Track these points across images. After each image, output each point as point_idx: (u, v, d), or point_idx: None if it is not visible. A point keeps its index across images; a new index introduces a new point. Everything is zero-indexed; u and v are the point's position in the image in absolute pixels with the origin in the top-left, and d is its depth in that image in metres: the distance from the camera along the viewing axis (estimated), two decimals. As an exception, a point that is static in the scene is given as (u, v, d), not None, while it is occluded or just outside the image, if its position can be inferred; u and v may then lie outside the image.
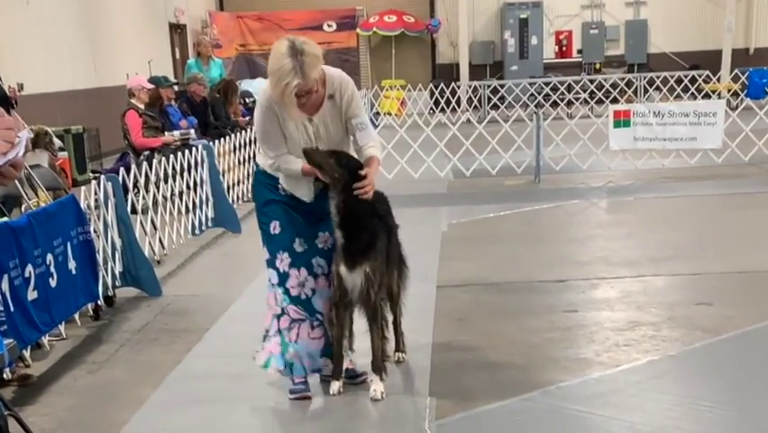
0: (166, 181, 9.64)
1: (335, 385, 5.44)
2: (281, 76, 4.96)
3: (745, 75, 24.10)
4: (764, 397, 5.16)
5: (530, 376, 5.60)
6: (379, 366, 5.45)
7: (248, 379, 5.74)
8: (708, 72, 24.52)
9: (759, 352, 5.90)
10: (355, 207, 5.18)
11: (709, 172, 13.29)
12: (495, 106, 23.38)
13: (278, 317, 5.46)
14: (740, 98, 18.00)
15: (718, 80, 24.56)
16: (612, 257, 8.59)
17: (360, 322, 5.54)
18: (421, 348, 6.10)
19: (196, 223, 10.12)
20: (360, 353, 5.59)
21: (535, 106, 21.80)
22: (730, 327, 6.28)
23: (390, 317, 5.77)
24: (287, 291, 5.44)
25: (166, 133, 12.38)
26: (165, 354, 6.38)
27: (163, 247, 9.23)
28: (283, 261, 5.42)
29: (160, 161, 9.65)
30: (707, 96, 22.16)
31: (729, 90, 23.19)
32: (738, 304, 6.85)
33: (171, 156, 9.90)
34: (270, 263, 5.44)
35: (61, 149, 12.59)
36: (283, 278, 5.42)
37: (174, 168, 9.85)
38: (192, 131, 12.62)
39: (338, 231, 5.26)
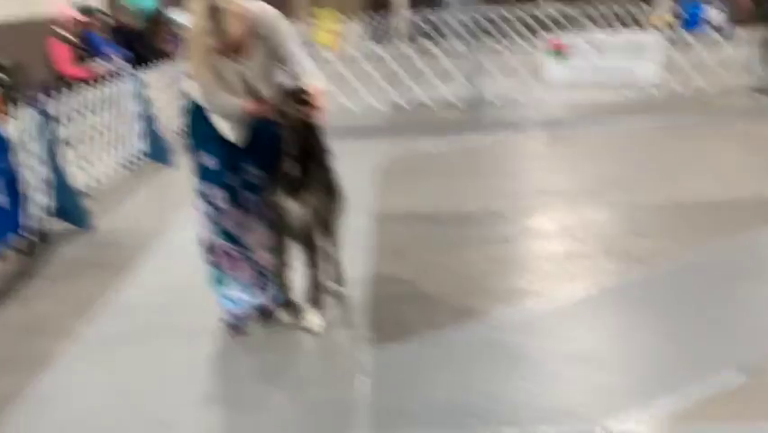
0: (95, 112, 9.40)
1: (282, 315, 5.40)
2: (197, 37, 4.95)
3: (680, 6, 24.19)
4: (694, 326, 5.21)
5: (466, 307, 5.59)
6: (317, 298, 5.41)
7: (182, 312, 5.68)
8: (644, 4, 24.52)
9: (692, 282, 5.95)
10: (304, 139, 5.13)
11: (647, 105, 13.35)
12: (430, 38, 23.17)
13: (213, 252, 5.39)
14: (675, 30, 18.07)
15: (654, 13, 24.59)
16: (549, 189, 8.60)
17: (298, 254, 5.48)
18: (359, 281, 6.05)
19: (128, 155, 9.91)
20: (297, 285, 5.52)
21: (472, 37, 21.71)
22: (663, 258, 6.33)
23: (327, 248, 5.70)
24: (220, 227, 5.36)
25: (94, 63, 12.03)
26: (97, 287, 6.26)
27: (94, 180, 9.03)
28: (216, 196, 5.32)
29: (89, 91, 9.39)
30: (643, 29, 22.20)
31: (665, 23, 23.25)
32: (671, 235, 6.91)
33: (101, 86, 9.65)
34: (203, 197, 5.34)
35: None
36: (216, 213, 5.33)
37: (105, 100, 9.61)
38: (122, 62, 12.29)
39: (289, 162, 5.16)
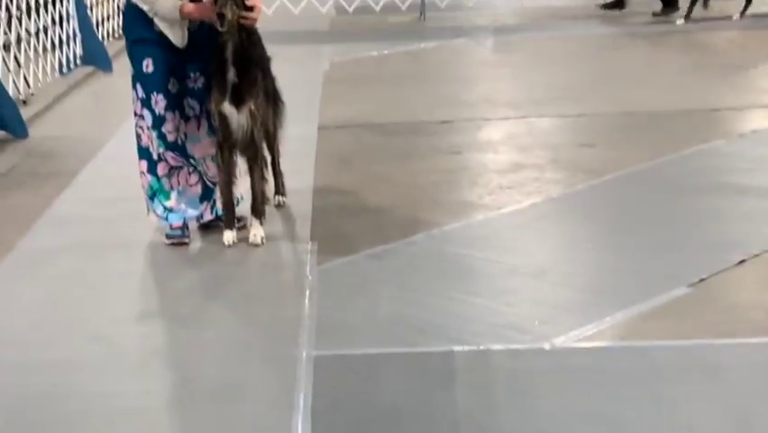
0: (29, 15, 9.05)
1: (229, 235, 5.22)
2: None
3: None
4: (640, 236, 5.21)
5: (413, 219, 5.50)
6: (259, 210, 5.28)
7: (121, 224, 5.52)
8: None
9: (638, 192, 5.92)
10: (245, 44, 4.99)
11: (595, 11, 13.20)
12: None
13: (155, 163, 5.22)
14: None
15: None
16: (497, 98, 8.49)
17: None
18: (302, 192, 5.93)
19: (64, 61, 9.58)
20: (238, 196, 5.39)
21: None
22: (612, 168, 6.27)
23: (269, 158, 5.57)
24: (162, 136, 5.18)
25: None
26: (33, 198, 6.07)
27: (29, 86, 8.72)
28: (158, 102, 5.14)
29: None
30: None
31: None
32: (621, 145, 6.86)
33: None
34: (145, 104, 5.14)
35: None
36: (158, 121, 5.15)
37: (40, 2, 9.25)
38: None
39: (231, 69, 5.00)
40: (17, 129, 7.49)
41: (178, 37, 5.08)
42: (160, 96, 5.13)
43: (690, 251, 4.98)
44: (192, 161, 5.30)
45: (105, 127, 7.59)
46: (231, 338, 4.21)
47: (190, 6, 4.94)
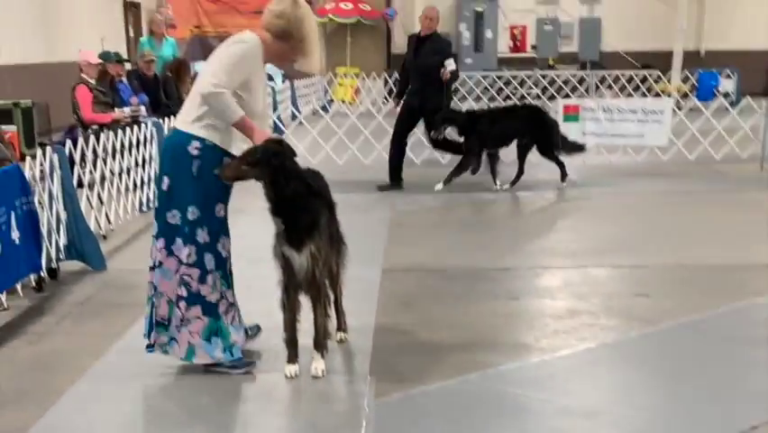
0: (114, 157, 9.58)
1: (292, 368, 5.41)
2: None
3: (695, 77, 24.48)
4: (692, 385, 5.29)
5: (470, 359, 5.67)
6: (320, 343, 5.50)
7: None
8: (658, 72, 24.89)
9: (690, 342, 6.03)
10: (286, 190, 5.18)
11: (655, 170, 13.47)
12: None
13: (214, 304, 5.43)
14: (689, 99, 18.21)
15: (669, 81, 24.86)
16: (556, 248, 8.71)
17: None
18: (363, 330, 6.15)
19: (144, 200, 10.07)
20: (301, 332, 5.59)
21: (489, 100, 21.99)
22: (665, 318, 6.41)
23: (331, 296, 5.82)
24: (225, 276, 5.46)
25: (116, 109, 12.29)
26: (107, 327, 6.36)
27: (109, 222, 9.17)
28: (225, 245, 5.43)
29: (108, 136, 9.58)
30: (657, 96, 22.43)
31: (679, 91, 23.48)
32: (674, 296, 6.99)
33: (120, 131, 9.84)
34: (210, 248, 5.35)
35: (9, 122, 12.44)
36: (222, 263, 5.42)
37: (123, 144, 9.79)
38: (143, 108, 12.55)
39: (275, 218, 5.27)
40: (96, 262, 7.88)
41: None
42: (226, 239, 5.43)
43: (742, 400, 5.05)
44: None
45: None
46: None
47: (244, 122, 5.17)
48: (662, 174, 13.15)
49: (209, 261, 5.36)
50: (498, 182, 11.93)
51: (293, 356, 5.47)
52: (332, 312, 5.80)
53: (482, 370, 5.49)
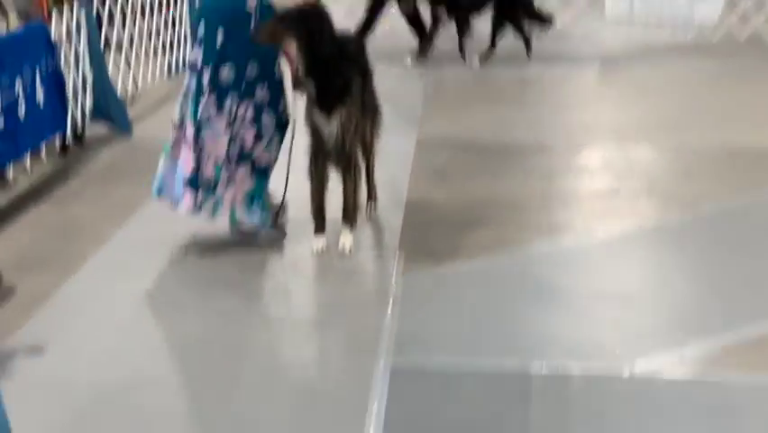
0: (143, 15, 9.29)
1: (319, 242, 5.26)
2: None
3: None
4: (732, 270, 5.10)
5: (502, 238, 5.50)
6: (350, 217, 5.33)
7: (212, 226, 5.62)
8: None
9: (733, 227, 5.80)
10: (321, 52, 4.97)
11: (704, 47, 12.99)
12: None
13: (267, 165, 5.34)
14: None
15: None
16: (597, 125, 8.40)
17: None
18: (394, 205, 5.97)
19: (173, 63, 9.81)
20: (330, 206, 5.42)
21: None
22: (708, 203, 6.17)
23: (363, 165, 5.62)
24: (281, 141, 5.33)
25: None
26: (133, 192, 6.21)
27: (136, 87, 8.95)
28: (284, 107, 5.36)
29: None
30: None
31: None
32: (718, 180, 6.71)
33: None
34: (269, 108, 5.27)
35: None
36: (282, 126, 5.33)
37: (152, 3, 9.49)
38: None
39: (306, 79, 5.03)
40: (122, 124, 7.69)
41: None
42: (285, 101, 5.34)
43: (782, 289, 4.87)
44: None
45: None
46: (313, 341, 4.29)
47: None
48: (712, 52, 12.66)
49: (267, 119, 5.23)
50: (468, 58, 11.31)
51: (320, 228, 5.30)
52: (362, 184, 5.60)
53: (513, 249, 5.33)
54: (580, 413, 3.66)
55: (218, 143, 5.17)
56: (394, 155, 6.45)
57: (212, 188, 5.23)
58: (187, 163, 5.18)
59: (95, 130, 7.61)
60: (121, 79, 8.42)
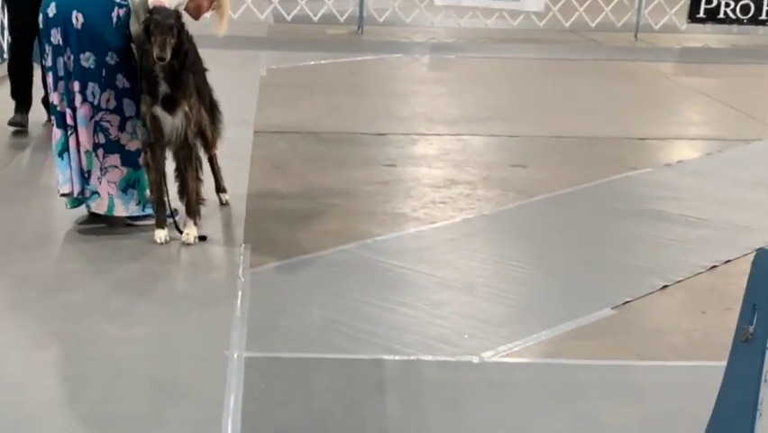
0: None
1: (162, 234, 5.20)
2: None
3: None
4: (568, 258, 5.30)
5: (347, 228, 5.55)
6: (193, 209, 5.28)
7: (52, 217, 5.46)
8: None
9: (567, 214, 6.05)
10: (176, 62, 5.01)
11: (531, 36, 13.42)
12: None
13: (135, 154, 5.27)
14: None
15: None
16: (432, 114, 8.58)
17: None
18: (236, 195, 5.94)
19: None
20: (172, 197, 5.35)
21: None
22: (542, 190, 6.40)
23: (205, 158, 5.60)
24: (145, 125, 5.19)
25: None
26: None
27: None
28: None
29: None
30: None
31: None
32: (551, 167, 6.99)
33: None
34: (129, 94, 5.18)
35: None
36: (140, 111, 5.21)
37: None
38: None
39: (163, 83, 5.02)
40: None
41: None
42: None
43: (615, 274, 5.10)
44: None
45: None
46: (161, 335, 4.18)
47: None
48: (538, 41, 13.11)
49: (128, 107, 5.18)
50: None
51: (162, 220, 5.25)
52: (203, 175, 5.55)
53: (360, 239, 5.38)
54: (433, 400, 3.73)
55: (85, 132, 5.14)
56: (232, 145, 6.39)
57: (86, 179, 5.22)
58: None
59: None
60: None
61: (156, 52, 4.87)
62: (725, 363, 2.65)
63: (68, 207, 5.38)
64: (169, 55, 4.89)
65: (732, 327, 2.60)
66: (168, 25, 4.90)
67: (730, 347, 2.62)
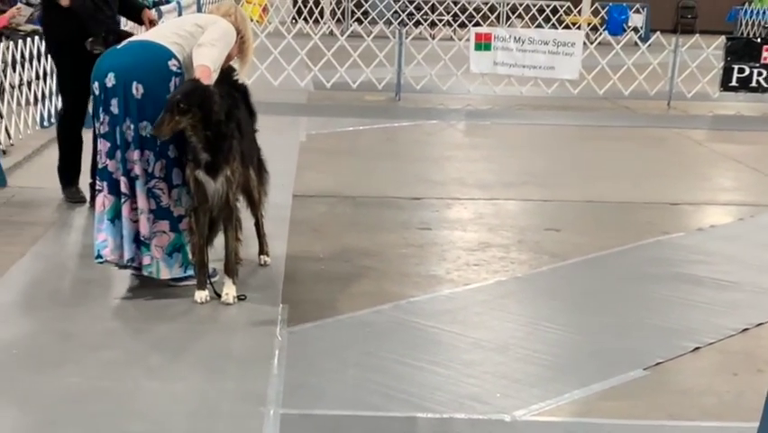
0: (14, 68, 9.17)
1: (202, 294, 5.33)
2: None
3: (605, 10, 24.65)
4: (600, 320, 5.37)
5: (382, 290, 5.65)
6: (232, 269, 5.40)
7: (95, 277, 5.60)
8: (569, 4, 24.97)
9: (600, 276, 6.13)
10: (212, 126, 5.09)
11: (565, 103, 13.57)
12: (359, 20, 23.23)
13: (179, 219, 5.39)
14: (599, 33, 18.32)
15: (579, 13, 25.01)
16: (467, 179, 8.71)
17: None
18: (275, 256, 6.07)
19: (45, 114, 9.70)
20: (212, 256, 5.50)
21: (399, 24, 21.81)
22: (575, 253, 6.49)
23: (253, 220, 5.82)
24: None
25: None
26: (8, 246, 6.13)
27: (9, 137, 8.81)
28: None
29: (8, 46, 9.15)
30: (567, 27, 22.54)
31: (589, 24, 23.64)
32: (584, 231, 7.08)
33: (21, 42, 9.41)
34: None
35: None
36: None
37: (23, 55, 9.38)
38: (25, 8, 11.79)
39: (203, 153, 5.14)
40: (-2, 178, 7.56)
41: None
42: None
43: (647, 336, 5.15)
44: None
45: (82, 180, 7.66)
46: (200, 392, 4.28)
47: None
48: (572, 108, 13.26)
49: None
50: None
51: (203, 282, 5.37)
52: (243, 236, 5.68)
53: (395, 301, 5.48)
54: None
55: (140, 197, 5.29)
56: (272, 209, 6.53)
57: (147, 245, 5.35)
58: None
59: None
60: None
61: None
62: (757, 424, 2.69)
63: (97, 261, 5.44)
64: (164, 133, 5.01)
65: (764, 389, 2.63)
66: (173, 102, 4.99)
67: (762, 409, 2.66)
